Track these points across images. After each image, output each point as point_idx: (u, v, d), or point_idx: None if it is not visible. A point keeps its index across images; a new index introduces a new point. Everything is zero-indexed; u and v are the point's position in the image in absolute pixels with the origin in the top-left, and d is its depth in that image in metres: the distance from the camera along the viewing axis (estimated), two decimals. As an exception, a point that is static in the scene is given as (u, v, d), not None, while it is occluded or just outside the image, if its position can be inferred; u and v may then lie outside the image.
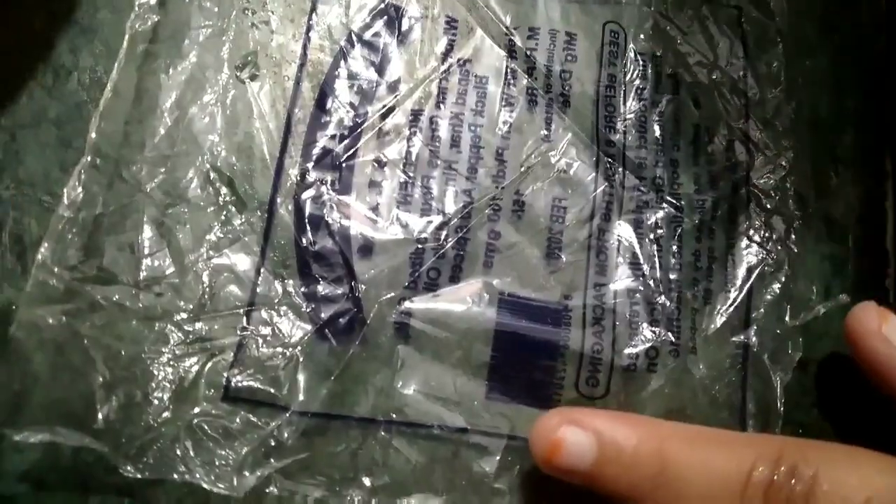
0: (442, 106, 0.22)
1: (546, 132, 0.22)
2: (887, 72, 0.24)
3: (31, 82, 0.22)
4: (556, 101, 0.23)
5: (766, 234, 0.22)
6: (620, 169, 0.22)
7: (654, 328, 0.21)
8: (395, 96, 0.22)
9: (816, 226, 0.23)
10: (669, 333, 0.21)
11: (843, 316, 0.20)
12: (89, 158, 0.20)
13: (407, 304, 0.21)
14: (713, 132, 0.23)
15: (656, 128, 0.23)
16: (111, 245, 0.20)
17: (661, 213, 0.22)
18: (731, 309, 0.21)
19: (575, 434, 0.17)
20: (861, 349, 0.19)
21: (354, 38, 0.23)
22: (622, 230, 0.22)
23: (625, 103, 0.23)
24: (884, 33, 0.24)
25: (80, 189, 0.20)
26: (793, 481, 0.16)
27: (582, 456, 0.17)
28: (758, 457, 0.16)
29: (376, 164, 0.22)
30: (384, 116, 0.22)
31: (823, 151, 0.23)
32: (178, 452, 0.19)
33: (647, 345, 0.21)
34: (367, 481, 0.19)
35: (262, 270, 0.21)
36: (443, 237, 0.21)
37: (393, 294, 0.21)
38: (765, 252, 0.22)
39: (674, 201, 0.22)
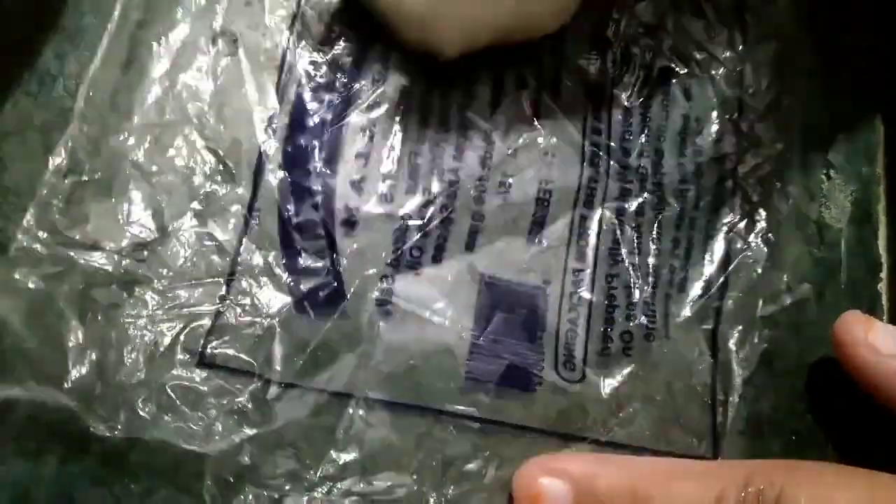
0: (432, 82, 0.22)
1: (534, 115, 0.22)
2: (878, 75, 0.24)
3: (17, 89, 0.22)
4: (545, 87, 0.23)
5: (749, 227, 0.22)
6: (606, 157, 0.22)
7: (629, 311, 0.21)
8: (386, 68, 0.22)
9: (805, 227, 0.22)
10: (644, 318, 0.21)
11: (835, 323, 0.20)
12: (76, 125, 0.20)
13: (388, 282, 0.21)
14: (703, 123, 0.23)
15: (644, 117, 0.23)
16: (96, 212, 0.20)
17: (643, 201, 0.22)
18: (705, 298, 0.21)
19: (552, 485, 0.18)
20: (849, 358, 0.19)
21: (345, 4, 0.23)
22: (604, 216, 0.22)
23: (614, 91, 0.23)
24: (873, 36, 0.24)
25: (65, 155, 0.20)
26: None
27: None
28: (725, 484, 0.17)
29: (364, 135, 0.22)
30: (374, 84, 0.22)
31: (816, 154, 0.23)
32: (150, 414, 0.18)
33: (622, 328, 0.21)
34: (337, 456, 0.19)
35: (244, 240, 0.21)
36: (427, 215, 0.21)
37: (374, 270, 0.21)
38: (745, 244, 0.22)
39: (657, 190, 0.22)
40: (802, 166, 0.23)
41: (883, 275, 0.22)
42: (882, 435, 0.20)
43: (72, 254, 0.20)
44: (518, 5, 0.20)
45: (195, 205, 0.21)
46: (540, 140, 0.22)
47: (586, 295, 0.21)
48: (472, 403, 0.20)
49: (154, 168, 0.21)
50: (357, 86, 0.22)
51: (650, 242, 0.22)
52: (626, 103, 0.23)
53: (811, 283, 0.22)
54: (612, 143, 0.22)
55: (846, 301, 0.22)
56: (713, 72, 0.23)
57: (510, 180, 0.22)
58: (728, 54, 0.23)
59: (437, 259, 0.21)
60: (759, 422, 0.20)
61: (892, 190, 0.23)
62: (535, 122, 0.22)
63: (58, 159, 0.20)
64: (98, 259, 0.20)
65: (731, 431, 0.20)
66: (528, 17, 0.21)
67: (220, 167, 0.21)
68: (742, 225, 0.22)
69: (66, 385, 0.18)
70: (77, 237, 0.20)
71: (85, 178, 0.20)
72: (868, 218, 0.23)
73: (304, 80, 0.22)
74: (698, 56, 0.23)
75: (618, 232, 0.22)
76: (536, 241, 0.21)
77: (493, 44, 0.21)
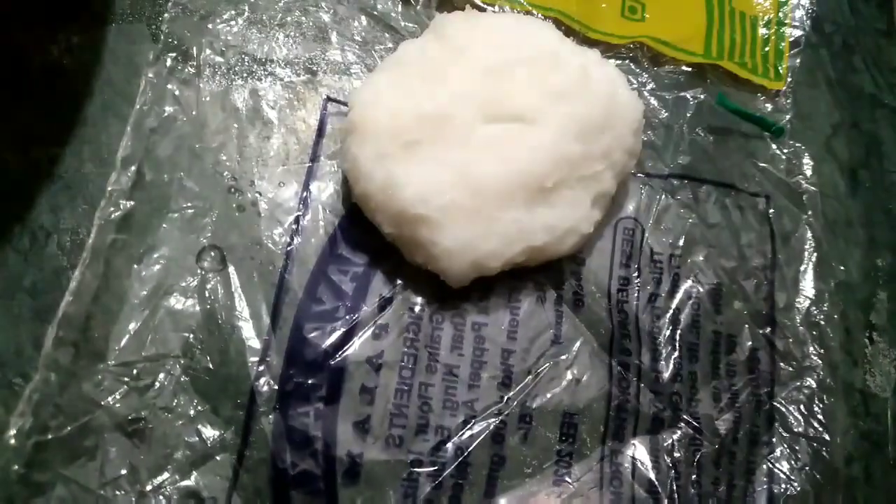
0: (443, 300, 0.20)
1: (556, 333, 0.21)
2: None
3: (6, 246, 0.20)
4: (566, 299, 0.21)
5: (791, 462, 0.20)
6: (635, 381, 0.20)
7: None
8: (394, 287, 0.20)
9: (850, 398, 0.21)
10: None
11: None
12: (43, 375, 0.18)
13: (398, 543, 0.18)
14: (735, 340, 0.21)
15: (673, 336, 0.21)
16: (62, 476, 0.18)
17: (678, 434, 0.20)
18: None
19: None
20: None
21: (349, 221, 0.21)
22: (637, 452, 0.20)
23: (639, 308, 0.21)
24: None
25: (28, 412, 0.18)
26: None
27: None
28: None
29: (369, 367, 0.20)
30: (381, 309, 0.20)
31: (857, 316, 0.22)
32: None
33: None
34: None
35: (233, 496, 0.18)
36: (441, 460, 0.19)
37: (382, 533, 0.18)
38: (787, 481, 0.20)
39: (692, 421, 0.20)
40: (845, 331, 0.22)
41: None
42: None
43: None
44: (531, 243, 0.19)
45: (178, 455, 0.18)
46: (563, 359, 0.20)
47: (623, 557, 0.19)
48: None
49: (131, 415, 0.18)
50: (362, 309, 0.20)
51: (690, 486, 0.20)
52: (653, 318, 0.21)
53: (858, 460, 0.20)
54: (643, 364, 0.21)
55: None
56: (743, 282, 0.22)
57: (532, 412, 0.20)
58: (758, 262, 0.22)
59: (453, 513, 0.19)
60: None
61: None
62: (557, 339, 0.21)
63: (20, 419, 0.18)
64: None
65: None
66: (543, 250, 0.19)
67: (207, 408, 0.19)
68: (784, 459, 0.20)
69: None
70: (40, 511, 0.17)
71: (50, 436, 0.18)
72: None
73: (302, 303, 0.20)
74: (726, 264, 0.22)
75: (653, 472, 0.20)
76: (564, 483, 0.19)
77: (506, 269, 0.19)
